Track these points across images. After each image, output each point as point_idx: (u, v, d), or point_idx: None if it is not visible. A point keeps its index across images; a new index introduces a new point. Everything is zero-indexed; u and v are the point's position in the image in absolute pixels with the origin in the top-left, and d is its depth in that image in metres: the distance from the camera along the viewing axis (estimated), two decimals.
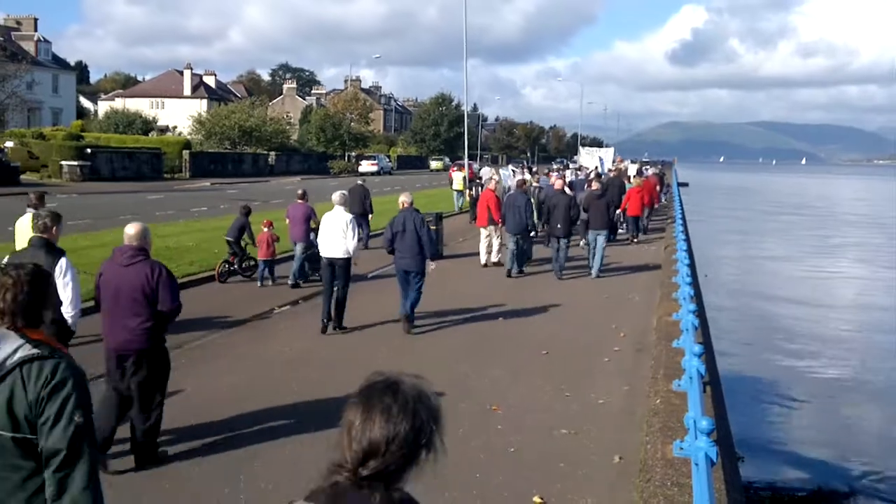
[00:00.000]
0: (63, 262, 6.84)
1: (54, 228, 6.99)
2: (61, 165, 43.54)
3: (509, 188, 22.13)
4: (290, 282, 14.50)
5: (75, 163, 43.73)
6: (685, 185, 70.95)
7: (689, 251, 17.17)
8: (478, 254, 18.16)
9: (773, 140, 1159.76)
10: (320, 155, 74.82)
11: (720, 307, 22.88)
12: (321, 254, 11.38)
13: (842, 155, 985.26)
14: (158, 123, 69.42)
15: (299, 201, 14.94)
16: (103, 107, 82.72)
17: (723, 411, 9.07)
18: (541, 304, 13.28)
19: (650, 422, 7.35)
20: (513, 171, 32.81)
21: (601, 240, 16.58)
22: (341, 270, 10.99)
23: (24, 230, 9.63)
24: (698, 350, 7.10)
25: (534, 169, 40.85)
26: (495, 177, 21.66)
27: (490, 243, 17.87)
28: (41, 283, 3.14)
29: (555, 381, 8.92)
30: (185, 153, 55.09)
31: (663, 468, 6.13)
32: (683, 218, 23.57)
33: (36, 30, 73.68)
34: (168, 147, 54.74)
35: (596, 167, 42.05)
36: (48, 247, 6.90)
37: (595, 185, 18.61)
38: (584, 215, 17.18)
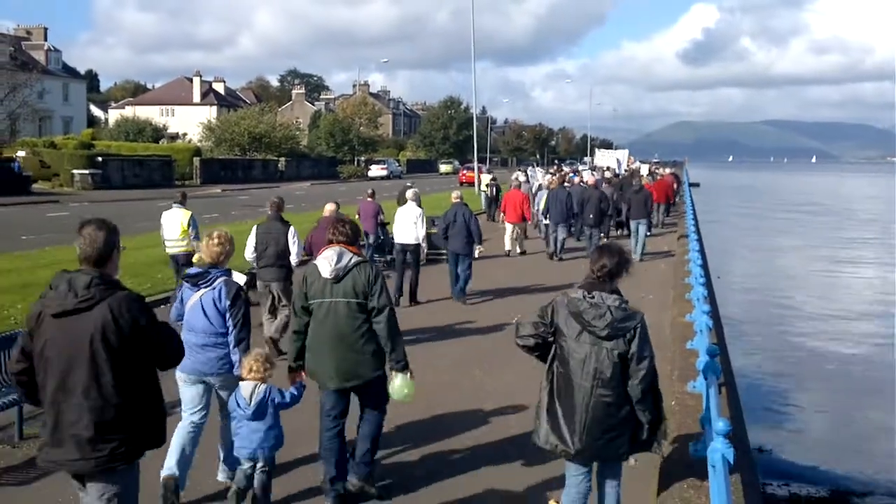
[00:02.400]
0: (292, 228, 10.08)
1: (282, 206, 10.41)
2: (73, 174, 43.78)
3: (540, 186, 25.13)
4: None
5: (86, 171, 43.96)
6: (696, 185, 70.69)
7: (702, 252, 17.10)
8: (506, 251, 20.11)
9: (784, 138, 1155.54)
10: (330, 160, 75.01)
11: (734, 308, 22.76)
12: (395, 240, 13.50)
13: (855, 152, 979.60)
14: (168, 131, 69.79)
15: (369, 199, 16.57)
16: (114, 115, 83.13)
17: (738, 412, 8.99)
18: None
19: (665, 423, 7.28)
20: (536, 171, 36.02)
21: (642, 228, 19.52)
22: (412, 255, 13.16)
23: (170, 221, 12.53)
24: (713, 350, 7.03)
25: (552, 170, 43.35)
26: (521, 177, 24.53)
27: (516, 236, 20.29)
28: (355, 225, 5.95)
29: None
30: (196, 160, 55.30)
31: (680, 470, 6.07)
32: (695, 218, 23.46)
33: (46, 39, 74.18)
34: (178, 154, 54.96)
35: (607, 167, 47.03)
36: (280, 219, 10.19)
37: (592, 180, 22.10)
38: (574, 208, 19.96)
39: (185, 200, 12.97)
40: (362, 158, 78.97)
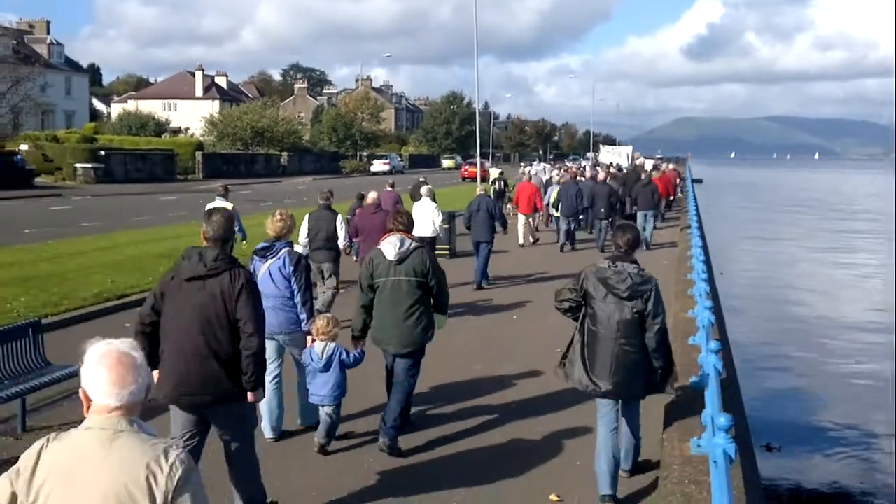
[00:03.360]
0: (339, 216, 11.45)
1: (332, 197, 11.72)
2: (75, 168, 43.83)
3: (549, 180, 26.83)
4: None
5: (89, 165, 44.01)
6: (699, 181, 70.59)
7: (705, 248, 17.10)
8: (520, 244, 21.07)
9: (787, 135, 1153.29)
10: (332, 155, 74.99)
11: (737, 303, 22.75)
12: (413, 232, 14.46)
13: (858, 149, 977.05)
14: (171, 125, 69.75)
15: (389, 188, 17.96)
16: (116, 109, 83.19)
17: (740, 408, 8.99)
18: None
19: (666, 419, 7.29)
20: (544, 167, 39.77)
21: (650, 219, 21.02)
22: (428, 246, 13.95)
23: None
24: (715, 347, 7.02)
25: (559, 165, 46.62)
26: (529, 171, 26.96)
27: (528, 227, 21.34)
28: (410, 216, 7.21)
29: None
30: (198, 154, 55.33)
31: (681, 466, 6.07)
32: (698, 214, 23.48)
33: (48, 33, 74.10)
34: (181, 148, 55.00)
35: (611, 163, 50.15)
36: (329, 208, 11.43)
37: (602, 175, 23.63)
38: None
39: (227, 193, 14.19)
40: (365, 153, 78.93)
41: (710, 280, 13.55)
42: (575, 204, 20.22)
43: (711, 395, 6.19)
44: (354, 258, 14.02)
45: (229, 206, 13.36)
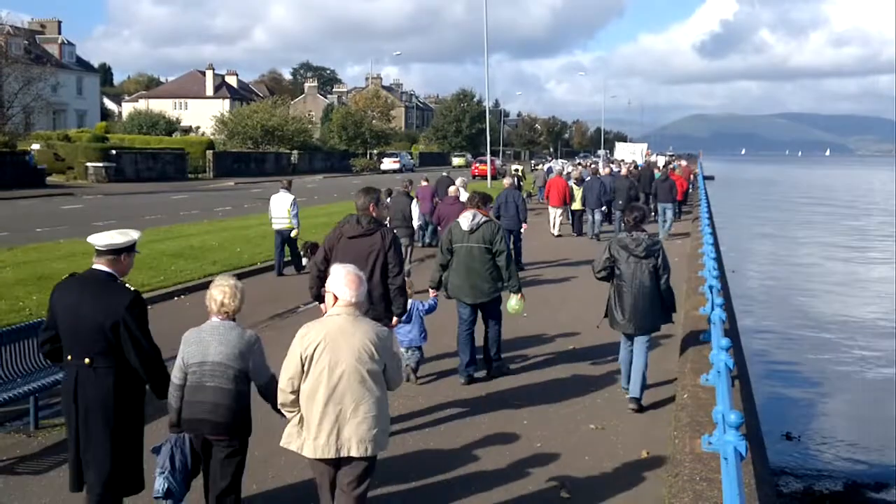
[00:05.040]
0: (414, 201, 14.48)
1: (410, 186, 15.11)
2: (87, 167, 44.01)
3: (569, 175, 28.29)
4: (418, 243, 18.04)
5: (100, 164, 44.18)
6: (711, 178, 70.31)
7: (716, 245, 17.06)
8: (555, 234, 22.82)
9: (799, 131, 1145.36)
10: (342, 153, 75.03)
11: (748, 301, 22.65)
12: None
13: (871, 146, 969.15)
14: (182, 124, 69.92)
15: (425, 183, 20.32)
16: (127, 108, 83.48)
17: (751, 405, 8.96)
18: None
19: (678, 416, 7.27)
20: (563, 164, 42.12)
21: (669, 211, 22.88)
22: None
23: (277, 203, 15.29)
24: (726, 344, 6.99)
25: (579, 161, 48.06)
26: (556, 167, 30.62)
27: (557, 218, 22.87)
28: (486, 195, 9.28)
29: (579, 372, 8.90)
30: (209, 153, 55.47)
31: (692, 463, 6.06)
32: (710, 211, 23.45)
33: (60, 32, 74.42)
34: (191, 147, 55.14)
35: (622, 160, 51.96)
36: (407, 195, 14.19)
37: (624, 171, 26.39)
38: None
39: (290, 187, 15.78)
40: (375, 151, 78.90)
41: (722, 277, 13.50)
42: (600, 197, 22.13)
43: (722, 392, 6.17)
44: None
45: (291, 197, 15.28)
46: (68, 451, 4.87)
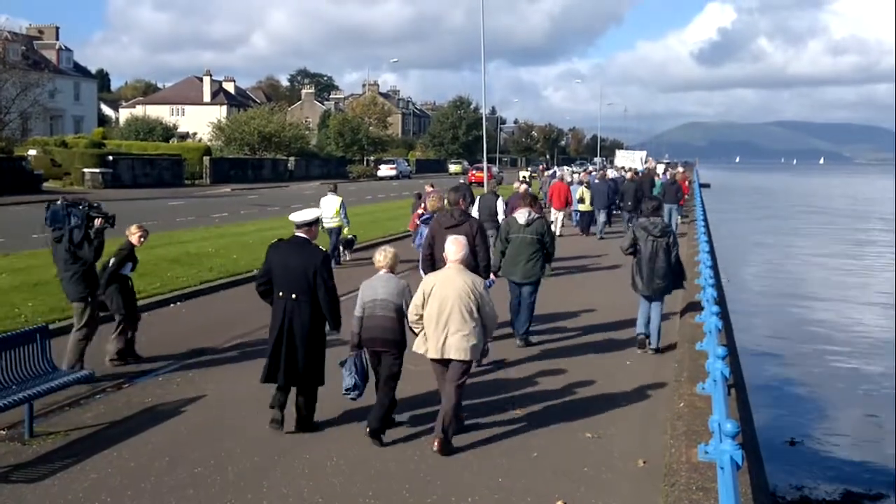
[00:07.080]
0: (500, 199, 16.24)
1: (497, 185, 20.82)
2: (83, 173, 43.92)
3: (572, 181, 29.69)
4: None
5: (97, 170, 44.09)
6: (706, 186, 70.45)
7: (712, 253, 17.07)
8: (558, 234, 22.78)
9: (795, 140, 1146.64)
10: (339, 160, 74.98)
11: (744, 309, 22.66)
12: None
13: (867, 154, 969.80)
14: (179, 130, 69.85)
15: (429, 189, 21.22)
16: (124, 114, 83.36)
17: (748, 414, 8.96)
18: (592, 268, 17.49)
19: (674, 425, 7.26)
20: (566, 168, 45.82)
21: (674, 212, 24.63)
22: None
23: (327, 204, 16.89)
24: (722, 352, 6.99)
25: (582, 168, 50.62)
26: (559, 172, 32.83)
27: (559, 220, 23.96)
28: (535, 196, 11.94)
29: (577, 377, 8.88)
30: (206, 159, 55.40)
31: (688, 472, 6.05)
32: (706, 219, 23.56)
33: (58, 38, 74.42)
34: (188, 153, 55.07)
35: (622, 166, 54.10)
36: (494, 193, 16.45)
37: (630, 175, 29.38)
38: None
39: (336, 189, 17.57)
40: (371, 158, 78.88)
41: (718, 286, 13.52)
42: (607, 199, 24.55)
43: (718, 401, 6.17)
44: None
45: (339, 199, 17.14)
46: (268, 355, 7.07)
